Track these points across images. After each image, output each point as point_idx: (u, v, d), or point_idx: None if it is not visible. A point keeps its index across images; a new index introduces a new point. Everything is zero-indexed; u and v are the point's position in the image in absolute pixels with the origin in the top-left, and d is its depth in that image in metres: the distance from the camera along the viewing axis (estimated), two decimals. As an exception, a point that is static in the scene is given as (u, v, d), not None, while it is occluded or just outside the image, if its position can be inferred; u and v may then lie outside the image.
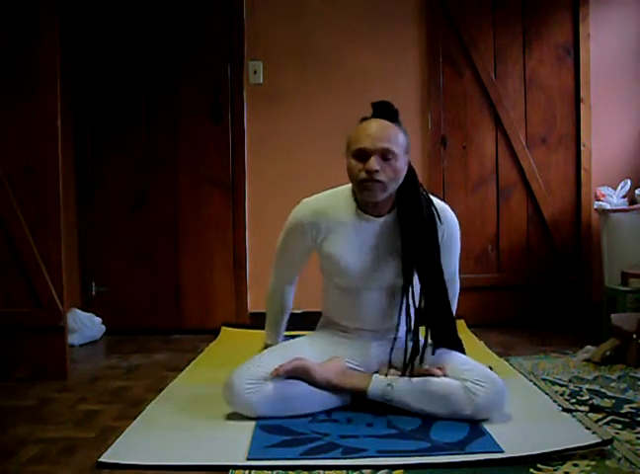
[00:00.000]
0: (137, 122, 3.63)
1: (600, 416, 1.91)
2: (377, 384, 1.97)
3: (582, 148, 3.65)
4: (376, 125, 1.95)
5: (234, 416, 1.97)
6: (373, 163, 1.90)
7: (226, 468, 1.57)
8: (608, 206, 3.32)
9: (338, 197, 2.10)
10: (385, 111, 1.97)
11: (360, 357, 2.10)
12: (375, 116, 1.99)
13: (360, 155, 1.93)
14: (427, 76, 3.65)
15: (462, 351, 2.11)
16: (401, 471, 1.53)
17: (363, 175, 1.92)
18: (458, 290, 2.25)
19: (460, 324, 3.46)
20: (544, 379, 2.36)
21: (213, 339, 3.32)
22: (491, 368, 2.02)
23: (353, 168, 1.96)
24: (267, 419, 1.90)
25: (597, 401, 2.07)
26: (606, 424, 1.84)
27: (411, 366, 1.99)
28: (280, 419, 1.91)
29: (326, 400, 2.00)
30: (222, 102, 3.62)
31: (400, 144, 1.95)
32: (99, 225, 3.63)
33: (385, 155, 1.92)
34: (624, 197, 3.36)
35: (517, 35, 3.65)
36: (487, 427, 1.80)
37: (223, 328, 3.49)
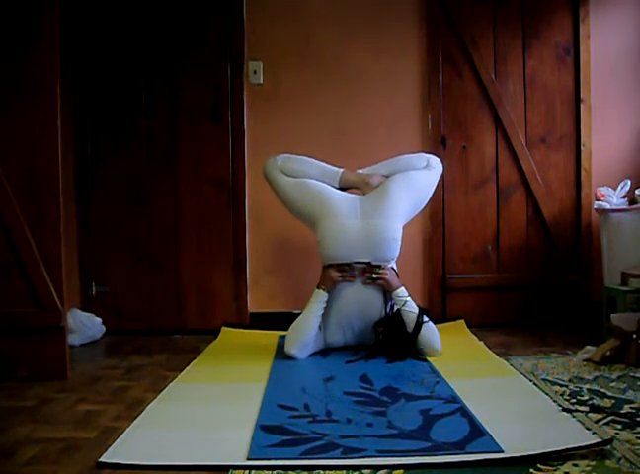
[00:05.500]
0: (137, 122, 3.63)
1: (600, 416, 1.91)
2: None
3: (582, 148, 3.65)
4: None
5: (234, 416, 1.97)
6: None
7: (226, 468, 1.57)
8: (608, 206, 3.32)
9: None
10: None
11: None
12: None
13: None
14: (427, 76, 3.64)
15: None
16: (401, 471, 1.53)
17: None
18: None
19: (460, 324, 3.48)
20: (544, 379, 2.36)
21: (213, 339, 3.32)
22: None
23: None
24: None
25: (597, 401, 2.07)
26: (606, 424, 1.84)
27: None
28: (280, 418, 1.91)
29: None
30: (222, 102, 3.62)
31: None
32: (99, 225, 3.64)
33: None
34: (624, 197, 3.36)
35: (517, 35, 3.65)
36: (487, 427, 1.80)
37: (223, 328, 3.49)
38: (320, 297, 2.78)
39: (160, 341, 3.38)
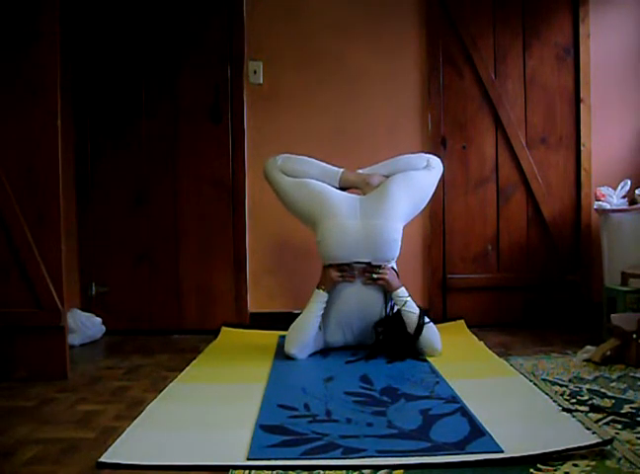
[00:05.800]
0: (137, 123, 3.63)
1: (600, 416, 1.91)
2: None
3: (582, 148, 3.65)
4: None
5: (234, 416, 1.97)
6: None
7: (226, 468, 1.57)
8: (608, 206, 3.32)
9: None
10: None
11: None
12: None
13: None
14: (427, 76, 3.65)
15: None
16: (401, 471, 1.53)
17: None
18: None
19: (460, 324, 3.48)
20: (544, 379, 2.36)
21: (213, 339, 3.32)
22: None
23: None
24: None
25: (597, 401, 2.07)
26: (606, 424, 1.84)
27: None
28: (280, 418, 1.91)
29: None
30: (222, 102, 3.62)
31: None
32: (99, 225, 3.64)
33: None
34: (624, 197, 3.36)
35: (517, 35, 3.65)
36: (487, 427, 1.80)
37: (223, 328, 3.49)
38: (320, 297, 2.78)
39: (160, 341, 3.38)
